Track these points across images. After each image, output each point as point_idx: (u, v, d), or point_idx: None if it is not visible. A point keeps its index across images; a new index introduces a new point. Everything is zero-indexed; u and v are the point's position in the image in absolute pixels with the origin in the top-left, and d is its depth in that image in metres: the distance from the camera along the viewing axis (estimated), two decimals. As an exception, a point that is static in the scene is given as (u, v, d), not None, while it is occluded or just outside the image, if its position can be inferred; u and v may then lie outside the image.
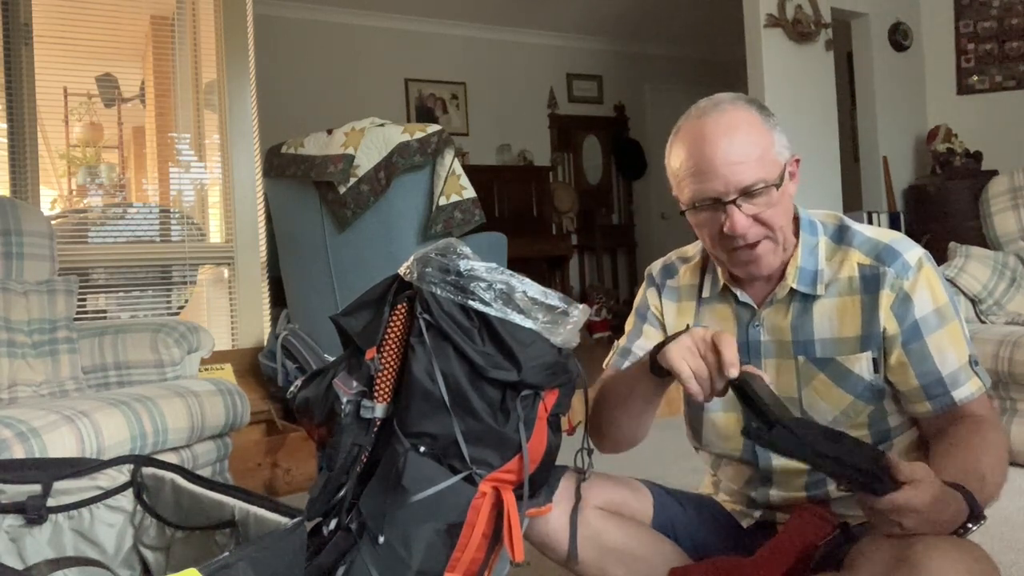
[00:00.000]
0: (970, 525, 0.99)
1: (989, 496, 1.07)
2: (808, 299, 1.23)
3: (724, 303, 1.32)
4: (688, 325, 1.21)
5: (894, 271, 1.17)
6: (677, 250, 1.45)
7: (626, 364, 1.38)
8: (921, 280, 1.17)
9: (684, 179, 1.19)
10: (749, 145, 1.15)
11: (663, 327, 1.39)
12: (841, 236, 1.25)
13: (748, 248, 1.19)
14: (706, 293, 1.34)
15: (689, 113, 1.22)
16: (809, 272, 1.23)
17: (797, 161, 1.23)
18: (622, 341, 1.43)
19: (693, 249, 1.41)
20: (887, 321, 1.18)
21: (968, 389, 1.17)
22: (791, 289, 1.23)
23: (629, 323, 1.45)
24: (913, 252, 1.19)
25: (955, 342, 1.18)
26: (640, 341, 1.40)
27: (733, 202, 1.15)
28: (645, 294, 1.43)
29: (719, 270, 1.31)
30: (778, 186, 1.16)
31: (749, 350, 1.28)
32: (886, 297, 1.17)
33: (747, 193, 1.15)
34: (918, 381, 1.18)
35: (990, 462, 1.09)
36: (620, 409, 1.28)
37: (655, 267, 1.45)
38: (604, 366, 1.45)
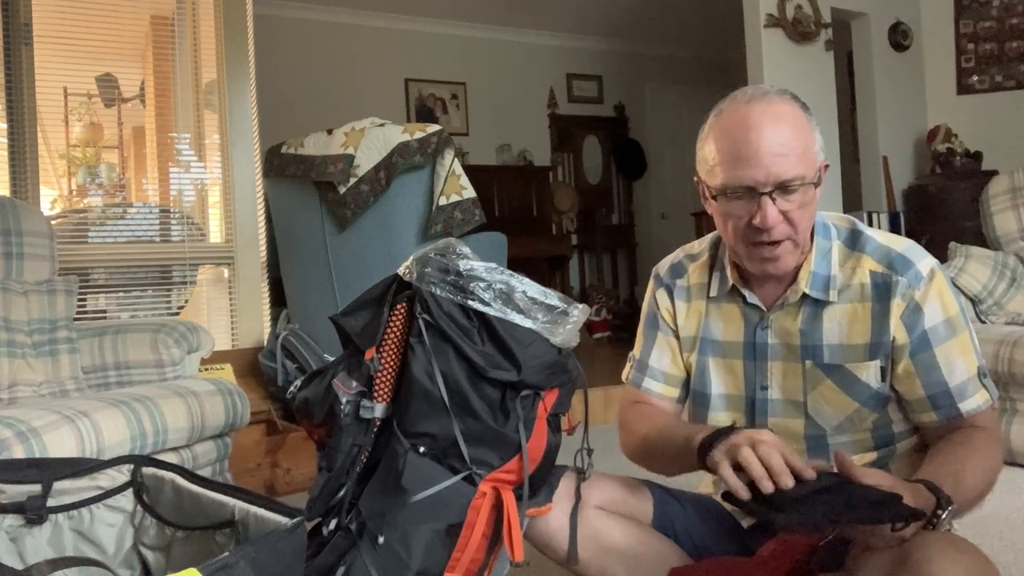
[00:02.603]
0: (939, 512, 0.99)
1: (964, 498, 1.06)
2: (819, 304, 1.22)
3: (732, 303, 1.31)
4: (734, 423, 1.19)
5: (906, 280, 1.17)
6: (683, 247, 1.43)
7: (645, 380, 1.39)
8: (932, 290, 1.17)
9: (719, 164, 1.16)
10: (793, 139, 1.13)
11: (675, 332, 1.39)
12: (854, 241, 1.24)
13: (770, 245, 1.17)
14: (713, 292, 1.33)
15: (735, 97, 1.18)
16: (822, 277, 1.22)
17: (826, 167, 1.21)
18: (637, 352, 1.43)
19: (700, 246, 1.40)
20: (896, 330, 1.17)
21: (975, 401, 1.17)
22: (803, 294, 1.23)
23: (640, 331, 1.44)
24: (925, 262, 1.19)
25: (964, 353, 1.17)
26: (656, 354, 1.40)
27: (769, 194, 1.12)
28: (654, 296, 1.42)
29: (728, 269, 1.30)
30: (816, 185, 1.15)
31: (756, 351, 1.27)
32: (897, 306, 1.17)
33: (784, 188, 1.12)
34: (925, 391, 1.18)
35: (973, 467, 1.10)
36: (663, 463, 1.29)
37: (662, 267, 1.43)
38: (624, 379, 1.45)
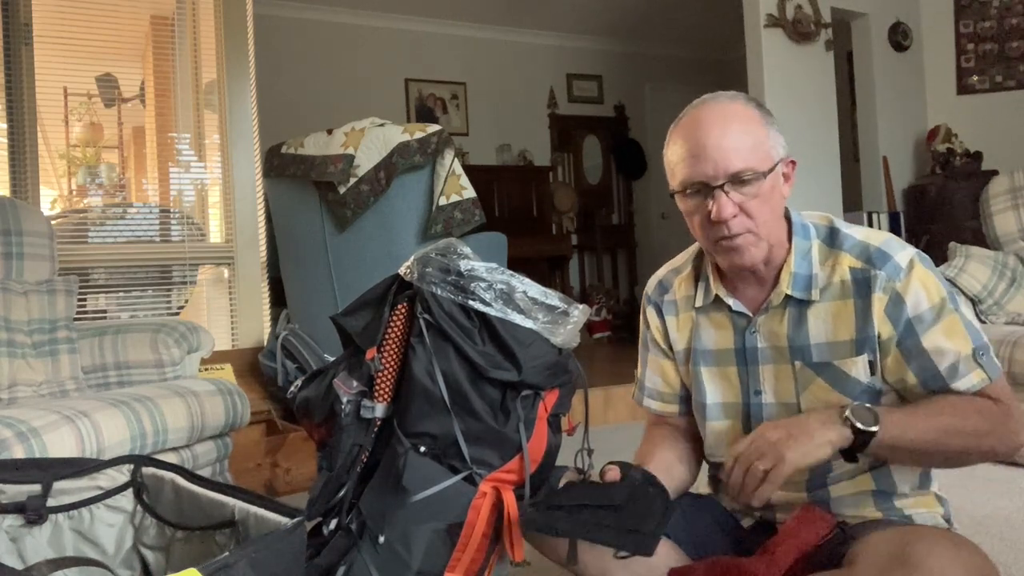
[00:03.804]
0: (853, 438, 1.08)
1: (911, 440, 1.10)
2: (803, 304, 1.23)
3: (719, 311, 1.32)
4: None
5: (885, 273, 1.17)
6: (668, 263, 1.46)
7: (645, 399, 1.45)
8: (913, 280, 1.17)
9: (678, 164, 1.22)
10: (742, 134, 1.17)
11: (666, 350, 1.41)
12: (833, 239, 1.25)
13: (731, 238, 1.20)
14: (699, 303, 1.34)
15: (692, 104, 1.25)
16: (803, 277, 1.23)
17: (793, 163, 1.24)
18: (638, 371, 1.48)
19: (683, 258, 1.42)
20: (881, 325, 1.17)
21: (969, 380, 1.16)
22: (786, 295, 1.23)
23: (639, 350, 1.48)
24: (904, 253, 1.19)
25: (953, 336, 1.17)
26: (649, 374, 1.44)
27: (721, 187, 1.16)
28: (645, 315, 1.45)
29: (712, 279, 1.31)
30: (765, 175, 1.17)
31: (747, 357, 1.28)
32: (878, 300, 1.17)
33: (736, 180, 1.16)
34: (916, 378, 1.18)
35: (937, 420, 1.12)
36: None
37: (651, 285, 1.46)
38: (632, 396, 1.49)
